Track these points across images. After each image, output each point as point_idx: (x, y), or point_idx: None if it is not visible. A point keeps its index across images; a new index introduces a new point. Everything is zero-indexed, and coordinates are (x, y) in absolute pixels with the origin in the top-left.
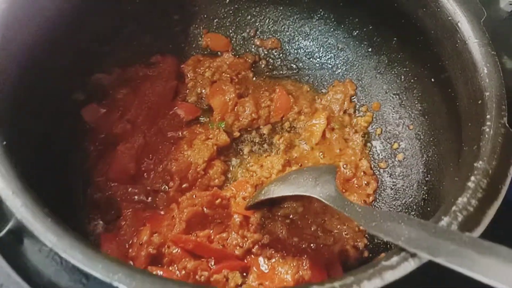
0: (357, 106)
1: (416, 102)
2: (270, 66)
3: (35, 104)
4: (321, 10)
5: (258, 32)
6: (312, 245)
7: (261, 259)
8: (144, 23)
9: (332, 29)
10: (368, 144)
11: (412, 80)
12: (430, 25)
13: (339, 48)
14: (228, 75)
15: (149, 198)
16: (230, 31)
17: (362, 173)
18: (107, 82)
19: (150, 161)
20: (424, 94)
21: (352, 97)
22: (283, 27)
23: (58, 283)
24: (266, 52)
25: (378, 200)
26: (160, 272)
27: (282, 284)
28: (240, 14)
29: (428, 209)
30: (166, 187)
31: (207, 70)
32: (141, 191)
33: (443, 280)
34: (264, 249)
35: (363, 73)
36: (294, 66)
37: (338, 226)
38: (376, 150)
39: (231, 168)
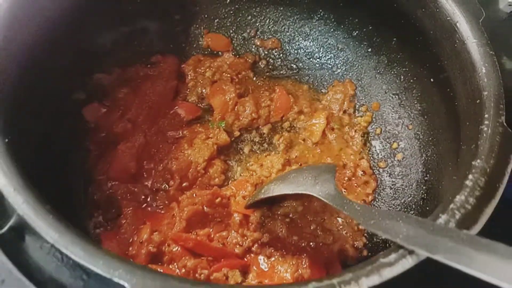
0: (357, 106)
1: (415, 102)
2: (270, 66)
3: (36, 104)
4: (321, 10)
5: (258, 32)
6: (311, 244)
7: (260, 257)
8: (145, 23)
9: (332, 30)
10: (368, 144)
11: (411, 80)
12: (429, 25)
13: (339, 48)
14: (228, 75)
15: (150, 196)
16: (231, 31)
17: (362, 173)
18: (108, 81)
19: (151, 160)
20: (423, 94)
21: (352, 97)
22: (283, 27)
23: (59, 279)
24: (266, 52)
25: (377, 200)
26: (160, 270)
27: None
28: (240, 14)
29: (427, 208)
30: (167, 186)
31: (207, 70)
32: (142, 190)
33: (441, 277)
34: (264, 248)
35: (363, 73)
36: (294, 66)
37: (338, 225)
38: (375, 150)
39: (231, 167)
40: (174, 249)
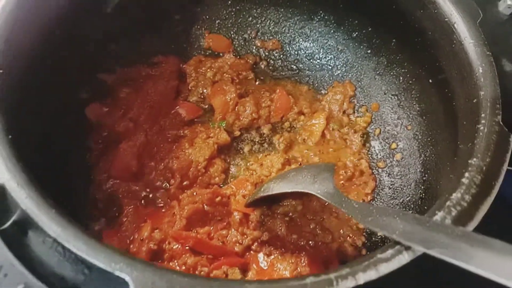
0: (356, 106)
1: (414, 103)
2: (270, 67)
3: (38, 103)
4: (321, 12)
5: (259, 34)
6: (310, 242)
7: (260, 255)
8: (147, 24)
9: (332, 31)
10: (367, 144)
11: (410, 81)
12: (428, 26)
13: (339, 50)
14: (229, 76)
15: (150, 195)
16: (232, 32)
17: (361, 173)
18: (110, 81)
19: (152, 159)
20: (422, 95)
21: (352, 98)
22: (283, 29)
23: (61, 274)
24: (267, 53)
25: (376, 199)
26: None
27: None
28: (241, 16)
29: (425, 207)
30: (167, 184)
31: (208, 70)
32: (143, 188)
33: (437, 272)
34: (263, 246)
35: (363, 74)
36: (295, 67)
37: (337, 225)
38: (374, 150)
39: (231, 167)
40: (174, 247)
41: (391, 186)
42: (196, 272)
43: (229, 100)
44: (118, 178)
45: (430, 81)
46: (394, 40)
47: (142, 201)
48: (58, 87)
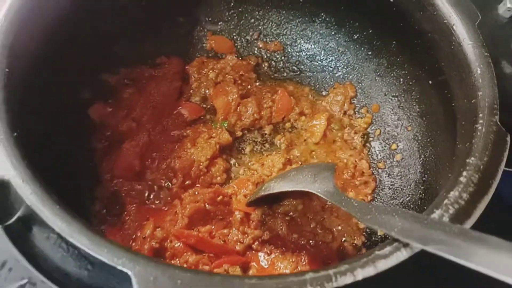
0: (357, 107)
1: (414, 104)
2: (272, 68)
3: (42, 103)
4: (322, 14)
5: (261, 35)
6: (311, 242)
7: (261, 254)
8: (150, 25)
9: (333, 33)
10: (367, 145)
11: (410, 83)
12: (428, 28)
13: (340, 51)
14: (231, 77)
15: (153, 194)
16: (234, 34)
17: (361, 173)
18: (114, 81)
19: (154, 159)
20: (422, 96)
21: (352, 99)
22: (285, 31)
23: (64, 269)
24: (268, 55)
25: (376, 200)
26: None
27: None
28: (244, 18)
29: (425, 207)
30: (170, 183)
31: (211, 71)
32: (145, 187)
33: (434, 269)
34: (264, 245)
35: (363, 75)
36: (296, 68)
37: (337, 224)
38: (375, 151)
39: (233, 166)
40: (176, 245)
41: (391, 187)
42: None
43: (231, 100)
44: (121, 177)
45: (430, 82)
46: (394, 42)
47: (145, 200)
48: (61, 87)
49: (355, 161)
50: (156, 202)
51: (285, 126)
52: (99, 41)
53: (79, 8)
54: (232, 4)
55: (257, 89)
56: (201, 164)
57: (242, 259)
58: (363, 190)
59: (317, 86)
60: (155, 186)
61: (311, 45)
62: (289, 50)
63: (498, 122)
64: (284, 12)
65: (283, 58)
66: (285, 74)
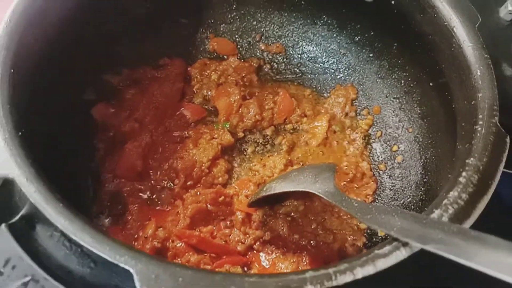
0: (358, 109)
1: (415, 106)
2: (274, 70)
3: (46, 103)
4: (324, 16)
5: (263, 37)
6: (312, 242)
7: (262, 255)
8: (153, 26)
9: (335, 35)
10: (369, 146)
11: (411, 85)
12: (428, 30)
13: (342, 53)
14: (233, 78)
15: (155, 194)
16: (236, 36)
17: (362, 175)
18: (117, 82)
19: (157, 159)
20: (423, 98)
21: (354, 101)
22: (287, 33)
23: (67, 267)
24: (270, 57)
25: (377, 201)
26: None
27: None
28: (246, 20)
29: (426, 209)
30: (172, 184)
31: (213, 73)
32: (147, 187)
33: (433, 268)
34: (265, 246)
35: (365, 77)
36: (298, 70)
37: (338, 225)
38: (376, 152)
39: (234, 167)
40: (178, 245)
41: (392, 188)
42: None
43: (233, 102)
44: (124, 178)
45: (431, 84)
46: (395, 44)
47: (147, 200)
48: (65, 88)
49: (356, 162)
50: (158, 202)
51: (287, 128)
52: (102, 41)
53: (84, 9)
54: (234, 6)
55: (259, 91)
56: (203, 164)
57: (243, 259)
58: (364, 192)
59: (319, 88)
60: (157, 187)
61: (312, 47)
62: (291, 52)
63: (498, 124)
64: (286, 14)
65: (285, 60)
66: (286, 76)
